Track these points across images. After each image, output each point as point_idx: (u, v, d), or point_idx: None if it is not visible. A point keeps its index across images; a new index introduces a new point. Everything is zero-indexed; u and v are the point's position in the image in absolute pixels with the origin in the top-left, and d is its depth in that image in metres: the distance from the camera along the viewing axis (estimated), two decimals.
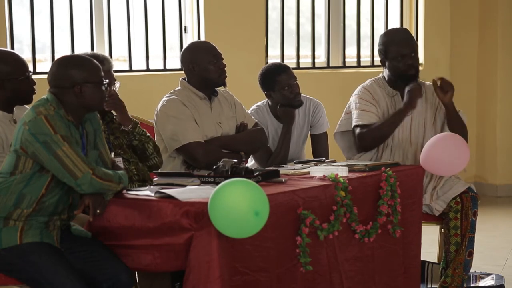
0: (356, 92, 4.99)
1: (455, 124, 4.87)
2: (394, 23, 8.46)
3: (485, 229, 6.72)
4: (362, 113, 4.88)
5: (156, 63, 7.46)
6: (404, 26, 8.48)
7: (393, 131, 4.84)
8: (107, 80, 3.76)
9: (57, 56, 6.35)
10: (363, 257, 4.23)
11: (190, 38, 7.54)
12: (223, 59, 4.73)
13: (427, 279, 4.99)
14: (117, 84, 4.41)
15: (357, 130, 4.89)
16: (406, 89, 4.85)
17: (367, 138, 4.86)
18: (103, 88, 3.71)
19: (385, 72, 4.98)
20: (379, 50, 4.97)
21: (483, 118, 8.79)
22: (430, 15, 8.52)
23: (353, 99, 4.98)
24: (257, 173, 3.98)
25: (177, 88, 4.75)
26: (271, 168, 4.49)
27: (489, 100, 8.76)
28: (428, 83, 5.02)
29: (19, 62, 4.06)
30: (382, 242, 4.32)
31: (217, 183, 3.67)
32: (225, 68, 4.73)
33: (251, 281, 3.64)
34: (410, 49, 4.88)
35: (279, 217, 3.73)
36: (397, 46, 4.88)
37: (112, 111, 4.42)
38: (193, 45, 4.86)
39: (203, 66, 4.68)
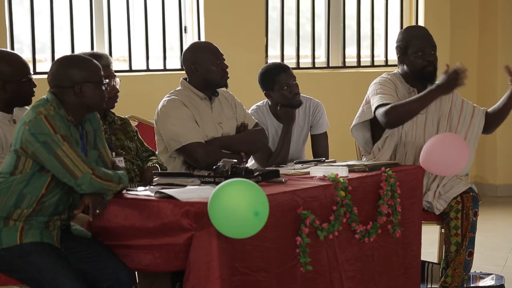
0: (376, 81, 4.90)
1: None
2: (394, 23, 8.46)
3: (485, 229, 6.72)
4: (384, 96, 4.77)
5: (156, 63, 7.45)
6: (404, 26, 8.49)
7: (420, 109, 4.71)
8: (107, 80, 3.76)
9: (57, 56, 6.36)
10: (363, 257, 4.23)
11: (190, 38, 7.54)
12: (225, 59, 4.73)
13: (427, 279, 4.99)
14: (117, 80, 4.40)
15: (381, 109, 4.73)
16: (442, 76, 4.71)
17: (392, 113, 4.68)
18: (104, 88, 3.71)
19: (400, 69, 4.92)
20: (397, 47, 4.90)
21: None
22: (430, 15, 8.52)
23: (372, 87, 4.87)
24: (257, 173, 3.98)
25: (177, 88, 4.74)
26: (271, 168, 4.49)
27: (489, 100, 8.70)
28: None
29: (22, 64, 4.07)
30: (382, 242, 4.32)
31: (217, 183, 3.67)
32: (226, 69, 4.73)
33: (251, 281, 3.63)
34: (431, 46, 4.86)
35: (279, 217, 3.72)
36: (419, 41, 4.85)
37: (117, 117, 4.42)
38: (195, 46, 4.85)
39: (205, 67, 4.67)
